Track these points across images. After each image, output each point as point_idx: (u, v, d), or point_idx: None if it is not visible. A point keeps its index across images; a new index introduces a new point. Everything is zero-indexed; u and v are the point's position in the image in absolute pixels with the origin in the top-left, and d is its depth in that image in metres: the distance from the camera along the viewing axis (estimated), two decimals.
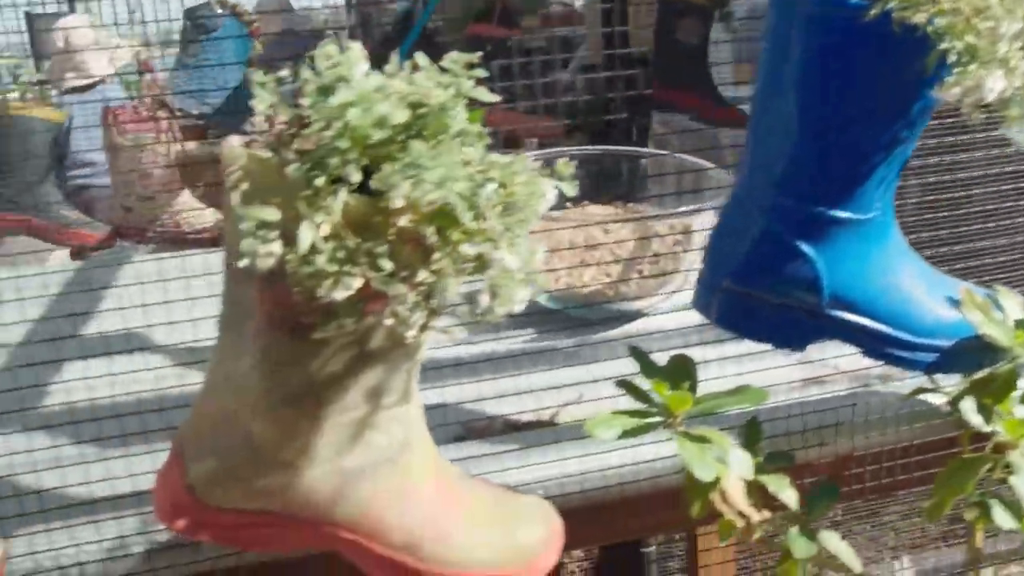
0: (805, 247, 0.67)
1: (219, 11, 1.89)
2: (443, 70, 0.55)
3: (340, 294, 0.52)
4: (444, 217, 0.53)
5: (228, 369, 0.61)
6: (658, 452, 0.82)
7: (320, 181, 0.52)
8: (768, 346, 0.93)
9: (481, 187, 0.53)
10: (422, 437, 0.65)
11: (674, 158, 1.56)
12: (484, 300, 0.56)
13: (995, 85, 0.59)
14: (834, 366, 0.93)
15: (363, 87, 0.52)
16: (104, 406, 0.92)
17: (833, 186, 0.66)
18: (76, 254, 1.85)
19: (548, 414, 1.09)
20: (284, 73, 0.54)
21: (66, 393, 0.98)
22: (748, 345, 0.85)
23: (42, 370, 1.13)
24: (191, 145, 1.94)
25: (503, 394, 0.95)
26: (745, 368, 0.80)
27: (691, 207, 1.26)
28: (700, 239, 1.22)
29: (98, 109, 2.25)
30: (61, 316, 1.29)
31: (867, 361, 0.90)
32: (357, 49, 0.54)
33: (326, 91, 0.52)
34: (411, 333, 0.54)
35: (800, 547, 0.70)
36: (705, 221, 1.21)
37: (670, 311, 1.21)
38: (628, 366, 0.92)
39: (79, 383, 0.96)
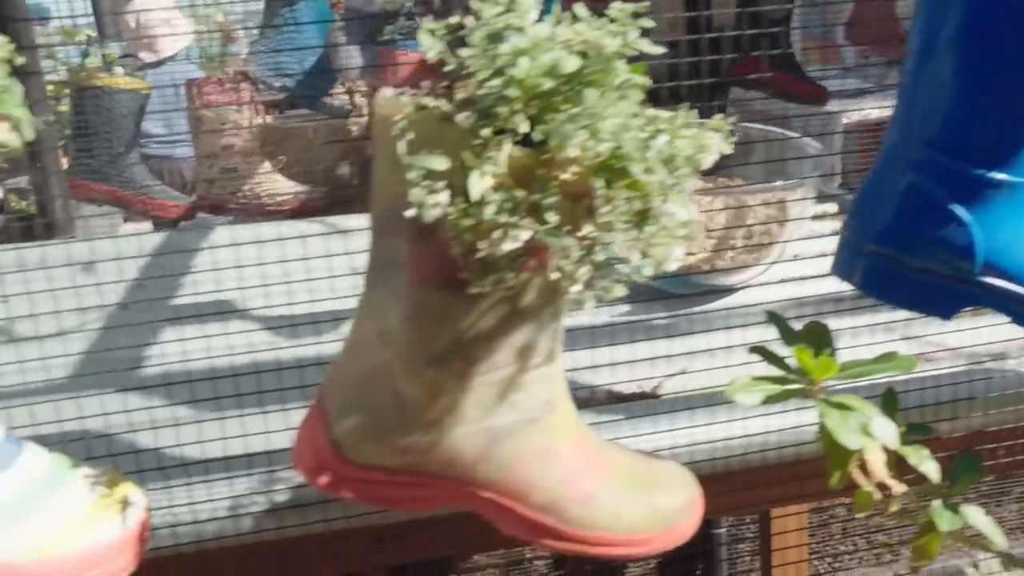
0: (960, 211, 0.65)
1: None
2: (610, 20, 0.54)
3: (508, 246, 0.51)
4: (611, 169, 0.52)
5: (376, 325, 0.60)
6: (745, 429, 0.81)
7: (487, 132, 0.51)
8: (875, 321, 0.91)
9: (653, 139, 0.52)
10: (564, 397, 0.64)
11: (760, 130, 1.53)
12: (636, 257, 0.55)
13: None
14: (936, 343, 0.91)
15: (535, 35, 0.51)
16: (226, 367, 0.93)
17: (991, 147, 0.64)
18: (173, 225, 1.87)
19: (651, 386, 1.07)
20: (455, 20, 0.53)
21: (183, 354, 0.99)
22: (846, 321, 0.83)
23: (144, 333, 1.14)
24: (271, 117, 1.95)
25: (602, 365, 0.94)
26: (850, 343, 0.78)
27: (787, 180, 1.24)
28: (795, 211, 1.20)
29: (163, 79, 2.27)
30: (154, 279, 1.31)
31: (977, 338, 0.88)
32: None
33: (495, 38, 0.51)
34: (576, 288, 0.53)
35: (945, 520, 0.68)
36: (800, 193, 1.19)
37: (764, 285, 1.19)
38: (727, 339, 0.91)
39: (190, 345, 0.97)
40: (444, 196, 0.51)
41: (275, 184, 1.91)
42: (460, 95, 0.53)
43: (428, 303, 0.57)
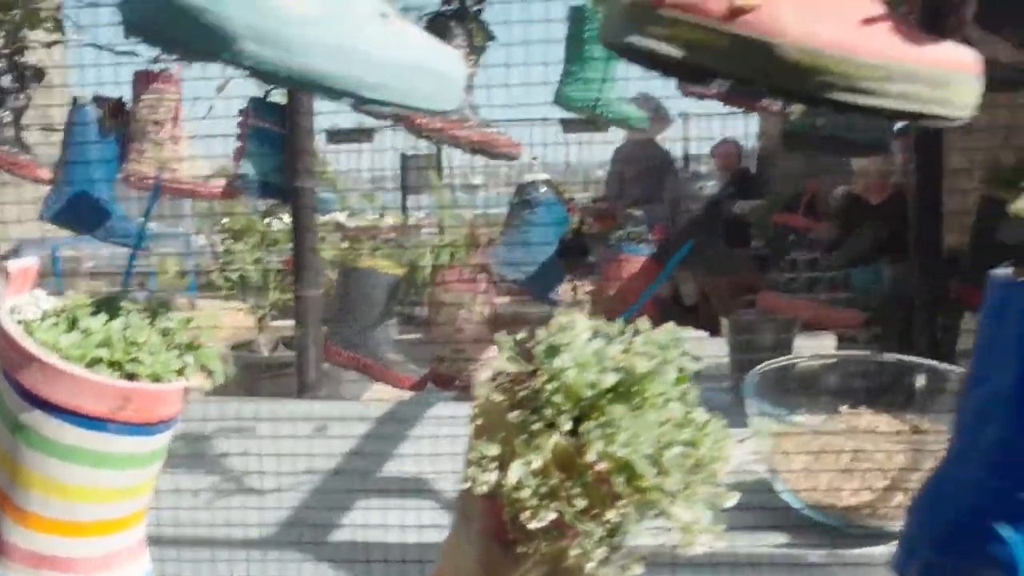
0: (1007, 532, 0.69)
1: (543, 189, 2.11)
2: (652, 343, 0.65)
3: (534, 525, 0.62)
4: (632, 469, 0.62)
5: (455, 561, 0.73)
6: None
7: (536, 426, 0.64)
8: None
9: (667, 448, 0.62)
10: None
11: (959, 373, 1.53)
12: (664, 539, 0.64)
13: None
14: None
15: (581, 354, 0.63)
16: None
17: None
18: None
19: None
20: (521, 336, 0.66)
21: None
22: None
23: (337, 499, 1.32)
24: (501, 304, 2.16)
25: None
26: None
27: None
28: None
29: None
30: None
31: None
32: (582, 320, 0.66)
33: (552, 352, 0.64)
34: (591, 566, 0.63)
35: None
36: None
37: None
38: None
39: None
40: (494, 476, 0.63)
41: None
42: (521, 392, 0.66)
43: (489, 553, 0.69)
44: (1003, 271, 0.70)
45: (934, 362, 1.60)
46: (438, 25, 2.03)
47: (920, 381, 1.69)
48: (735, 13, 0.62)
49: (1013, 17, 1.89)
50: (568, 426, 0.63)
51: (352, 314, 2.12)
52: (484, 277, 2.10)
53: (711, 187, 2.14)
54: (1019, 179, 2.11)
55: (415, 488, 1.35)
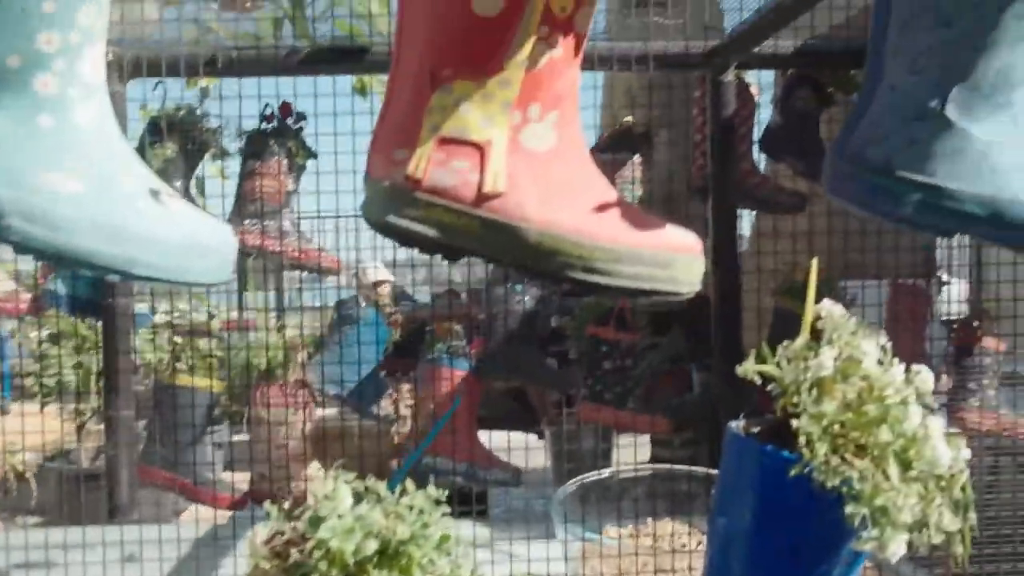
0: None
1: (363, 304, 2.14)
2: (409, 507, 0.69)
3: None
4: None
5: None
6: None
7: None
8: None
9: None
10: None
11: None
12: None
13: (898, 549, 0.67)
14: None
15: (343, 524, 0.66)
16: None
17: None
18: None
19: None
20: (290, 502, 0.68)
21: None
22: None
23: None
24: (325, 416, 2.15)
25: None
26: None
27: None
28: None
29: None
30: None
31: None
32: (345, 486, 0.69)
33: (316, 522, 0.67)
34: None
35: None
36: None
37: None
38: None
39: None
40: None
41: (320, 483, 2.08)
42: (294, 557, 0.68)
43: None
44: (737, 423, 0.78)
45: None
46: (257, 142, 2.06)
47: None
48: (483, 199, 0.68)
49: (792, 151, 2.09)
50: None
51: (168, 432, 2.07)
52: (304, 392, 2.10)
53: (528, 300, 2.23)
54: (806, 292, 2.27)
55: None
